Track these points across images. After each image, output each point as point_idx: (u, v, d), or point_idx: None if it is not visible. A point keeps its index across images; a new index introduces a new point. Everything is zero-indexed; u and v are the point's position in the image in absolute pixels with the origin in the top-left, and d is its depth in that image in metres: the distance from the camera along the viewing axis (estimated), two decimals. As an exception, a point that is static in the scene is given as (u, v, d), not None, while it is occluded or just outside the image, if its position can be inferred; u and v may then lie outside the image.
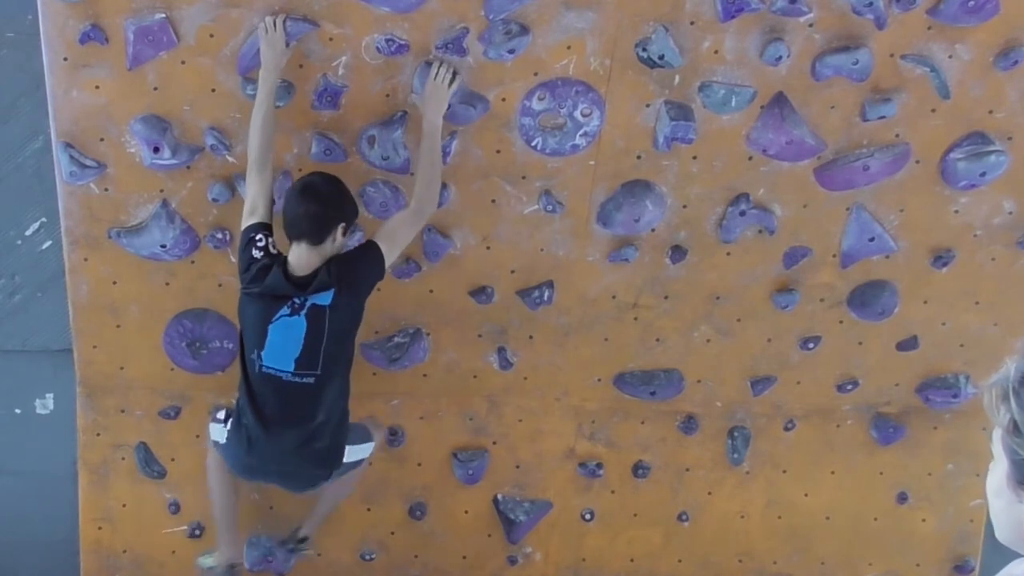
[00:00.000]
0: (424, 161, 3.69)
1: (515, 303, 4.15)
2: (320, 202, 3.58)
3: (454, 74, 3.69)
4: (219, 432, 3.90)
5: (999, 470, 1.71)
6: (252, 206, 3.67)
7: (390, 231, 3.71)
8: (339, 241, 3.63)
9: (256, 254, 3.63)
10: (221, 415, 3.92)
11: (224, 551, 4.15)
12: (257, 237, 3.63)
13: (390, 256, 3.70)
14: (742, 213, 4.02)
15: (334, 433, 3.79)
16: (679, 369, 4.31)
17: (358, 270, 3.66)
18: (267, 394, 3.69)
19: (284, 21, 3.61)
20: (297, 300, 3.60)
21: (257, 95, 3.65)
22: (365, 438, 4.01)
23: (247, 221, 3.67)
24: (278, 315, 3.61)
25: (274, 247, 3.64)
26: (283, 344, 3.63)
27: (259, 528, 4.43)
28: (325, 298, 3.60)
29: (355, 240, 3.83)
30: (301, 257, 3.60)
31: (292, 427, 3.71)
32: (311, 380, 3.65)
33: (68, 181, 3.85)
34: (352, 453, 3.90)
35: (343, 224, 3.62)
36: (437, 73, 3.67)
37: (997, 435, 1.70)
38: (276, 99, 3.67)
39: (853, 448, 4.50)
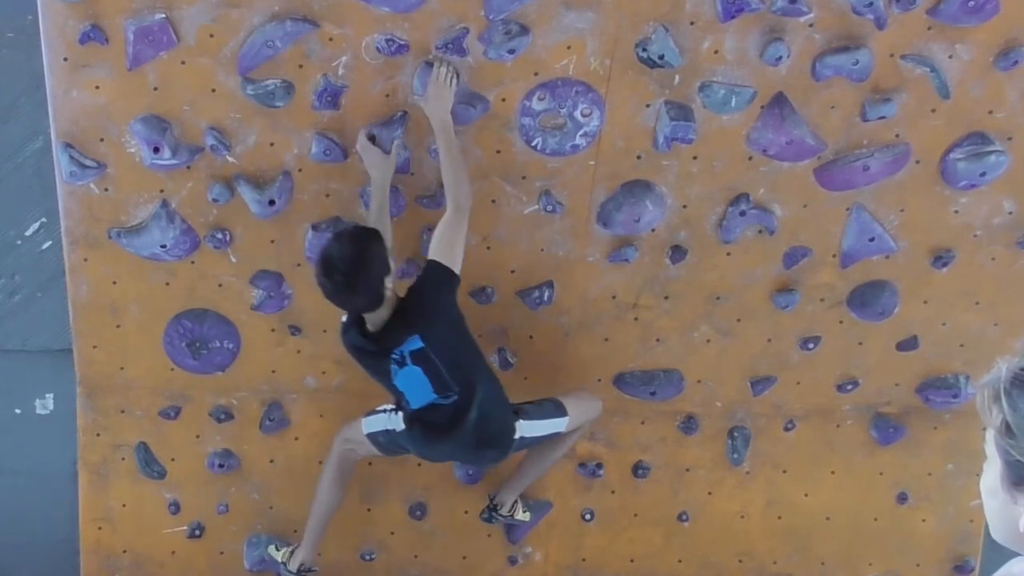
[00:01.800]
0: (445, 160, 3.69)
1: (515, 303, 4.15)
2: (351, 281, 3.55)
3: (456, 74, 3.70)
4: (383, 421, 3.95)
5: (993, 470, 1.71)
6: None
7: (442, 241, 3.68)
8: (392, 285, 3.63)
9: (344, 318, 3.76)
10: (387, 407, 3.96)
11: (304, 551, 4.16)
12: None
13: (455, 262, 3.67)
14: (742, 213, 4.02)
15: (498, 419, 3.84)
16: (679, 369, 4.31)
17: (428, 303, 3.67)
18: (426, 418, 3.79)
19: (372, 137, 3.75)
20: (396, 355, 3.67)
21: (369, 207, 3.78)
22: (554, 413, 3.99)
23: None
24: (392, 373, 3.71)
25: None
26: (414, 387, 3.73)
27: (259, 528, 4.43)
28: (415, 343, 3.65)
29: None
30: (369, 318, 3.68)
31: (457, 431, 3.77)
32: (455, 396, 3.74)
33: (68, 181, 3.85)
34: (536, 428, 3.92)
35: (385, 277, 3.59)
36: (439, 73, 3.67)
37: (990, 436, 1.70)
38: (387, 208, 3.79)
39: (853, 448, 4.50)
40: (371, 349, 3.72)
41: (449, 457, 4.09)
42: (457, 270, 3.68)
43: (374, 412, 4.02)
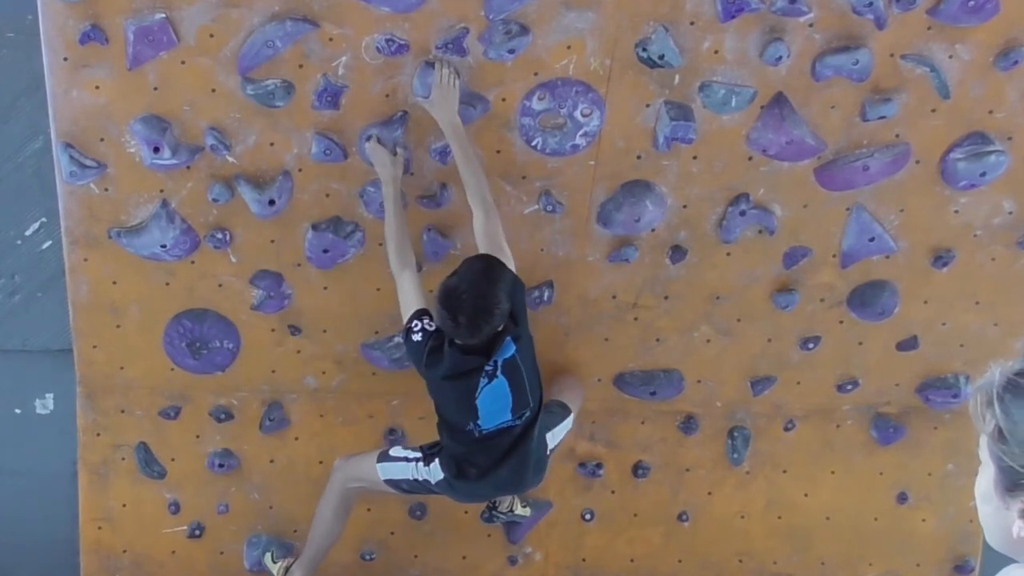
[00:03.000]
0: (461, 161, 3.67)
1: (515, 303, 4.15)
2: (476, 324, 3.44)
3: (457, 73, 3.69)
4: (407, 471, 3.86)
5: (986, 476, 1.70)
6: (406, 304, 3.66)
7: (491, 244, 3.62)
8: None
9: (417, 338, 3.58)
10: (410, 455, 3.87)
11: (302, 569, 4.12)
12: (413, 324, 3.61)
13: (511, 261, 3.62)
14: (742, 213, 4.02)
15: (545, 439, 3.82)
16: (679, 369, 4.31)
17: (518, 309, 3.61)
18: (491, 444, 3.68)
19: (378, 139, 3.74)
20: (489, 367, 3.56)
21: (385, 209, 3.74)
22: (563, 415, 3.97)
23: (405, 317, 3.64)
24: (479, 389, 3.59)
25: (430, 324, 3.59)
26: (494, 406, 3.62)
27: (259, 528, 4.43)
28: (509, 349, 3.58)
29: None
30: None
31: (518, 456, 3.71)
32: (528, 413, 3.68)
33: (68, 181, 3.85)
34: (554, 438, 3.90)
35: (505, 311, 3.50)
36: (441, 75, 3.66)
37: (983, 441, 1.69)
38: (401, 204, 3.74)
39: (853, 448, 4.50)
40: (473, 366, 3.54)
41: (498, 488, 3.89)
42: (514, 265, 3.63)
43: (390, 458, 3.90)
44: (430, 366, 3.58)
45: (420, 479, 3.85)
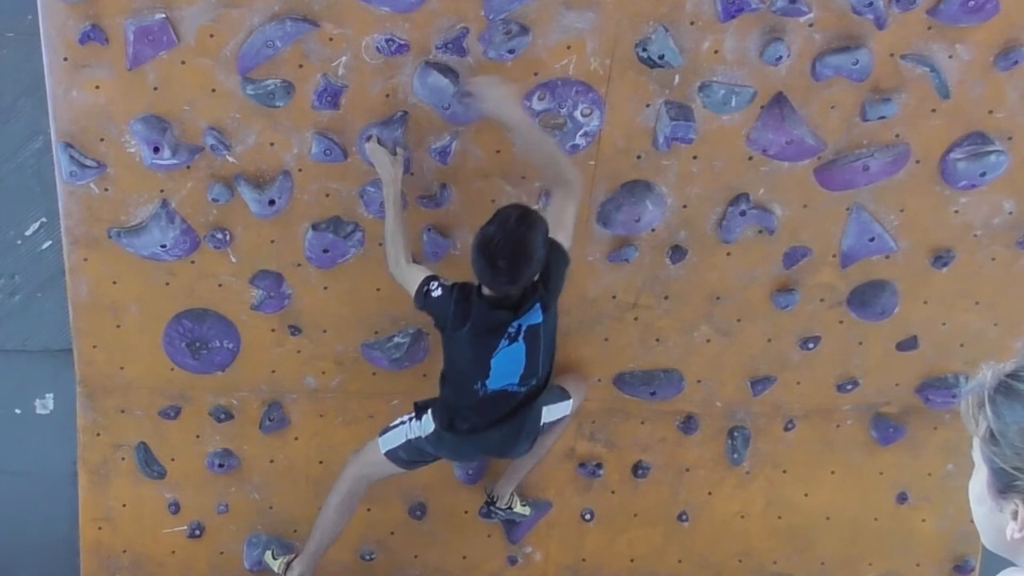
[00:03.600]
0: (535, 144, 3.67)
1: (515, 303, 4.15)
2: (516, 272, 3.49)
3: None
4: (402, 433, 3.91)
5: (979, 478, 1.70)
6: (412, 281, 3.69)
7: (558, 222, 3.65)
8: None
9: (438, 293, 3.62)
10: (404, 417, 3.93)
11: (303, 565, 4.14)
12: (429, 285, 3.64)
13: (569, 242, 3.68)
14: (742, 213, 4.02)
15: (539, 408, 3.87)
16: (679, 369, 4.31)
17: (554, 278, 3.65)
18: (491, 405, 3.74)
19: (378, 139, 3.75)
20: (512, 329, 3.61)
21: (385, 209, 3.75)
22: (562, 397, 4.01)
23: (413, 287, 3.68)
24: (498, 348, 3.63)
25: (446, 280, 3.65)
26: (506, 368, 3.68)
27: (259, 528, 4.43)
28: (536, 316, 3.62)
29: None
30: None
31: (513, 423, 3.78)
32: (533, 383, 3.73)
33: (68, 181, 3.85)
34: (549, 413, 3.93)
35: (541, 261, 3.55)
36: (480, 79, 3.66)
37: (976, 443, 1.69)
38: (401, 205, 3.75)
39: (853, 448, 4.50)
40: (501, 320, 3.60)
41: (486, 449, 3.95)
42: (569, 249, 3.68)
43: (389, 429, 3.96)
44: (456, 318, 3.61)
45: (413, 437, 3.89)
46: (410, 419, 3.91)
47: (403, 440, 3.92)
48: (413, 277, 3.72)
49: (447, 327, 3.68)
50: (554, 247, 3.62)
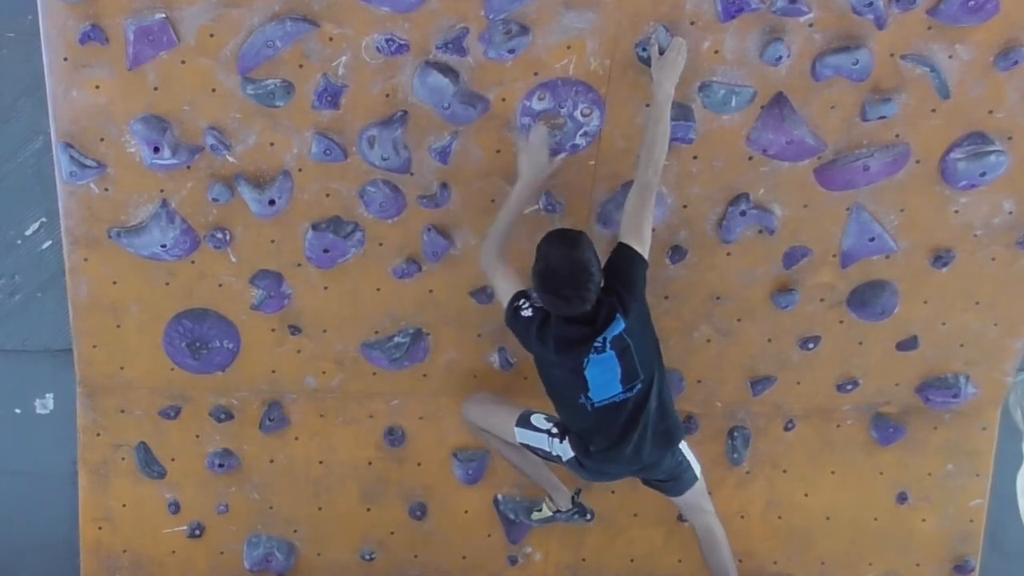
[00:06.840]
0: (655, 132, 3.65)
1: (515, 303, 4.14)
2: (582, 294, 3.53)
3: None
4: (542, 442, 3.93)
5: None
6: (505, 289, 3.73)
7: (632, 223, 3.66)
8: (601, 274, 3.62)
9: (527, 314, 3.68)
10: (545, 425, 3.92)
11: (557, 496, 4.22)
12: (520, 302, 3.69)
13: (645, 243, 3.67)
14: (742, 213, 4.02)
15: (673, 411, 3.88)
16: (679, 369, 4.31)
17: (632, 286, 3.65)
18: (607, 419, 3.74)
19: (547, 132, 3.77)
20: (598, 343, 3.63)
21: (507, 201, 3.75)
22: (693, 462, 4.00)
23: (507, 298, 3.72)
24: (587, 362, 3.65)
25: (537, 302, 3.67)
26: (603, 377, 3.69)
27: (259, 528, 4.43)
28: (618, 326, 3.63)
29: None
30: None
31: (638, 429, 3.75)
32: (639, 385, 3.71)
33: (68, 181, 3.85)
34: (689, 453, 3.94)
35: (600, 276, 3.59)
36: (675, 43, 3.65)
37: None
38: (526, 205, 3.78)
39: (853, 448, 4.50)
40: (580, 335, 3.63)
41: (628, 464, 3.86)
42: (646, 252, 3.67)
43: (531, 426, 3.96)
44: (541, 340, 3.66)
45: (554, 453, 3.92)
46: (553, 436, 3.90)
47: (544, 448, 3.94)
48: (507, 285, 3.74)
49: (531, 348, 3.75)
50: (623, 252, 3.64)
